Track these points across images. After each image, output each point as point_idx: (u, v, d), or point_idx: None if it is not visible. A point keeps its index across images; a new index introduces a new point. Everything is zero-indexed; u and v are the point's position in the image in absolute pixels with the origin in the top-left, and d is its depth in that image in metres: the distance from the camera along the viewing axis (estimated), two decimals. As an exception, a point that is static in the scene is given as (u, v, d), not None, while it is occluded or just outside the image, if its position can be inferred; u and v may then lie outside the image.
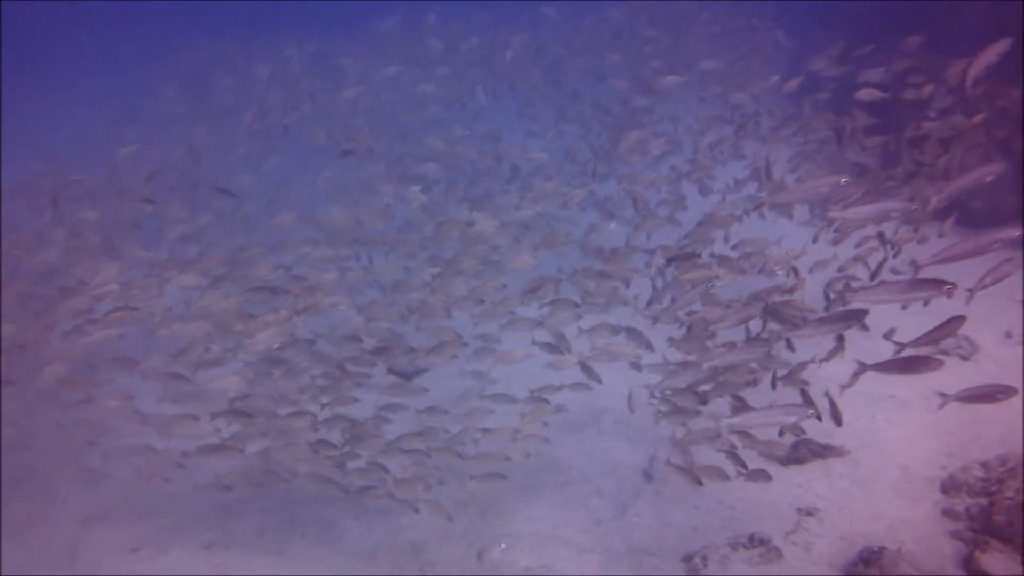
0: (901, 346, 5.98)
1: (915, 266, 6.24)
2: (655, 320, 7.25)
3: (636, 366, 7.30)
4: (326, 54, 18.20)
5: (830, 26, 15.66)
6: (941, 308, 6.61)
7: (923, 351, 5.70)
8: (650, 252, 8.76)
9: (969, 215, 11.19)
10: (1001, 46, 6.70)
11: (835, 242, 8.84)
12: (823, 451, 7.17)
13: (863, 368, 5.89)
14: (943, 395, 6.00)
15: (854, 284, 7.29)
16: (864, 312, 5.60)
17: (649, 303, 7.77)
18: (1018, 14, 12.14)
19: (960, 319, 5.66)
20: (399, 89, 15.47)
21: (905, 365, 5.59)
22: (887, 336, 8.05)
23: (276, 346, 7.16)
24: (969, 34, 12.88)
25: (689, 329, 7.23)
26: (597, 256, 8.15)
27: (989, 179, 5.73)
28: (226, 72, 17.16)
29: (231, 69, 17.74)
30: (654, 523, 6.71)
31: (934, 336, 5.81)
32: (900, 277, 8.10)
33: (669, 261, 8.19)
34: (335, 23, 24.56)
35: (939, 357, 5.46)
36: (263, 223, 11.69)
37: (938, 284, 5.26)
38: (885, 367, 5.69)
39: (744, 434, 6.23)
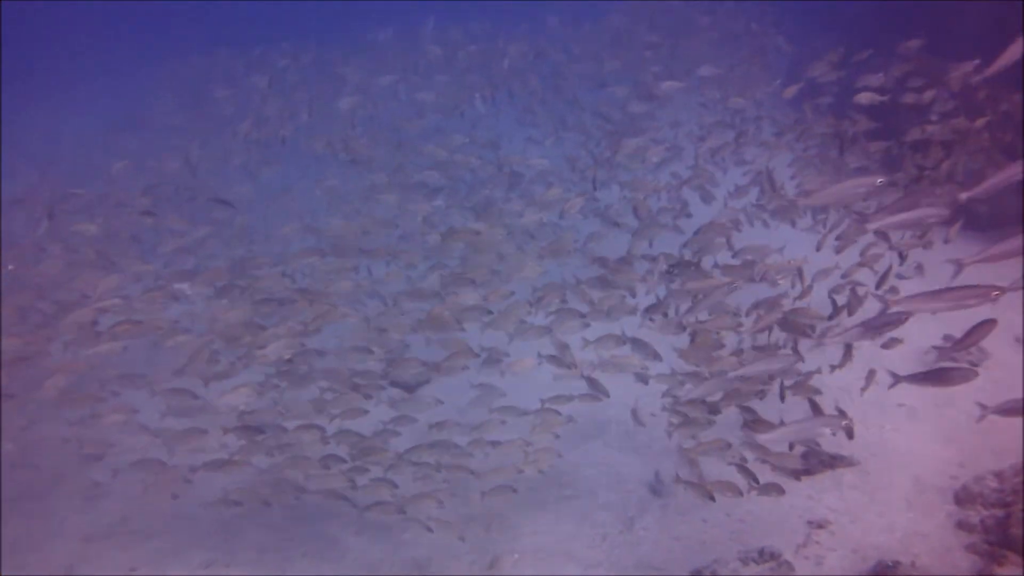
0: (943, 350, 5.86)
1: (957, 264, 6.07)
2: (676, 330, 7.14)
3: (642, 378, 7.20)
4: (324, 63, 18.18)
5: (831, 29, 15.62)
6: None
7: (957, 362, 5.56)
8: (652, 260, 8.67)
9: (974, 219, 11.11)
10: None
11: (838, 250, 8.75)
12: (832, 461, 7.06)
13: (896, 379, 5.78)
14: (983, 407, 5.86)
15: (900, 294, 7.11)
16: (906, 316, 5.46)
17: (647, 311, 7.67)
18: (1018, 15, 12.09)
19: (992, 322, 5.53)
20: (398, 97, 15.42)
21: (940, 377, 5.45)
22: (886, 346, 7.95)
23: (287, 357, 7.10)
24: (969, 36, 12.83)
25: (693, 339, 7.13)
26: (601, 265, 8.05)
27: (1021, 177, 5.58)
28: (224, 82, 17.09)
29: (229, 79, 17.68)
30: (661, 537, 6.60)
31: (969, 340, 5.68)
32: (948, 282, 7.86)
33: (672, 269, 8.09)
34: (332, 31, 24.57)
35: (974, 368, 5.31)
36: (262, 233, 11.62)
37: (986, 290, 5.06)
38: (919, 379, 5.56)
39: (756, 446, 6.12)
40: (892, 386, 5.90)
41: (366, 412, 7.02)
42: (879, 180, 5.96)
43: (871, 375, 7.06)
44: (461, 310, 7.29)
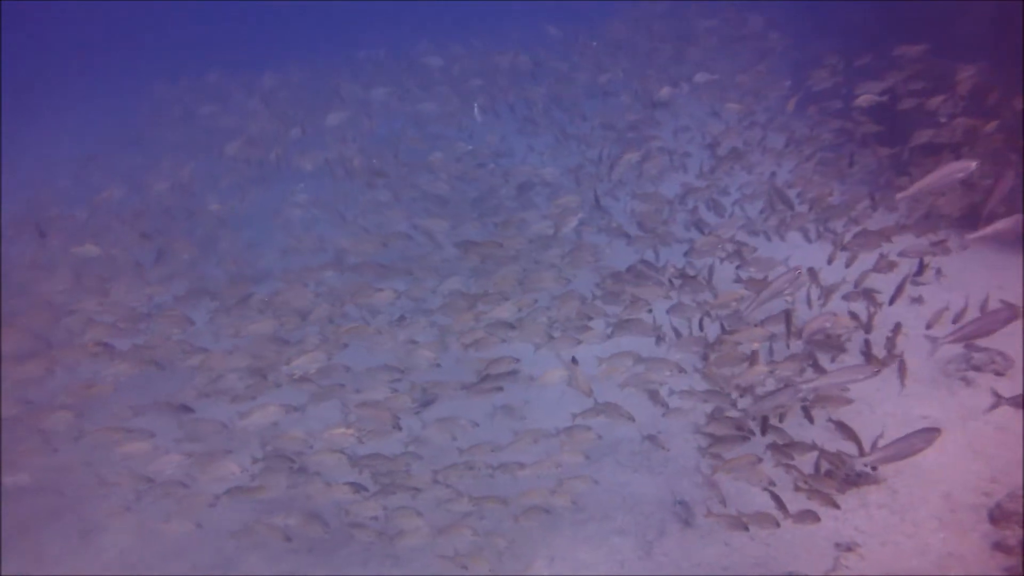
0: (967, 357, 5.61)
1: None
2: (694, 346, 6.89)
3: (657, 399, 6.94)
4: (317, 81, 18.03)
5: (834, 32, 15.47)
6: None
7: (981, 371, 5.31)
8: (658, 270, 8.45)
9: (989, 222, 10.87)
10: None
11: (848, 262, 8.54)
12: (858, 479, 6.78)
13: (998, 401, 5.53)
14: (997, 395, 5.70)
15: (923, 301, 6.88)
16: (1015, 317, 5.25)
17: (654, 330, 7.44)
18: (1017, 16, 11.94)
19: None
20: (397, 111, 15.23)
21: None
22: (885, 361, 7.70)
23: (313, 372, 6.90)
24: (971, 37, 12.66)
25: (706, 357, 6.88)
26: (615, 280, 7.83)
27: None
28: (216, 101, 16.92)
29: (221, 98, 17.51)
30: (683, 563, 6.31)
31: None
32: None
33: (680, 279, 7.90)
34: (324, 52, 24.43)
35: None
36: (267, 250, 11.43)
37: None
38: (1019, 401, 5.35)
39: (789, 467, 5.86)
40: (992, 408, 5.73)
41: (400, 430, 6.76)
42: (974, 164, 5.79)
43: (903, 369, 6.81)
44: (492, 325, 7.03)
